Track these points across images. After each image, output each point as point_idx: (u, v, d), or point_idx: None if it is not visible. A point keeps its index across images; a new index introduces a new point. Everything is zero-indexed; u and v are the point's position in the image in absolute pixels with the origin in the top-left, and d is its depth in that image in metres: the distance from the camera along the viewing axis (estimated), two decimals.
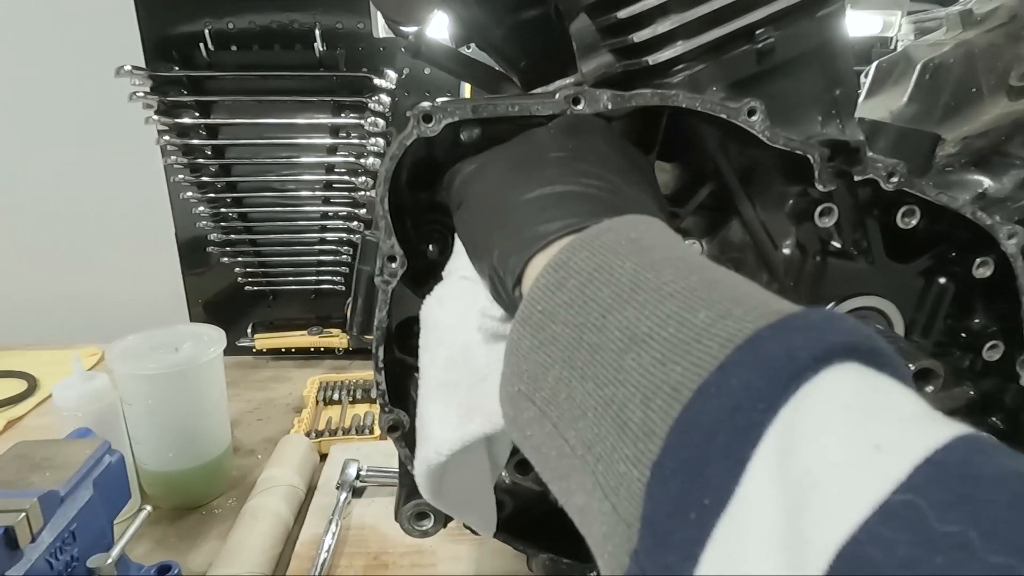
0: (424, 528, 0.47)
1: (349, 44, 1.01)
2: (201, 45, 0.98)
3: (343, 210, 1.05)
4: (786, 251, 0.44)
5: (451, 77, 0.56)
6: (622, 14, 0.40)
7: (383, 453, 0.78)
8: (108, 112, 1.04)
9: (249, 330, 1.14)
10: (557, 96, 0.37)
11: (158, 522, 0.74)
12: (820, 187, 0.40)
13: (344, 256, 1.09)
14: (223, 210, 1.05)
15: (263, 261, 1.10)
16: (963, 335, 0.48)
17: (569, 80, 0.45)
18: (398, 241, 0.39)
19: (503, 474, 0.52)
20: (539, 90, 0.45)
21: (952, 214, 0.42)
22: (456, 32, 0.52)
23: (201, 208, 1.04)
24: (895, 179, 0.41)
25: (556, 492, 0.26)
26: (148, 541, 0.71)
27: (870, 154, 0.41)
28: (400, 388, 0.45)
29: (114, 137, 1.16)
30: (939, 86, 0.54)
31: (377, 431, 0.87)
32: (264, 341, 1.12)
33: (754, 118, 0.38)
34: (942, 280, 0.46)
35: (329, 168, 1.04)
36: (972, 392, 0.50)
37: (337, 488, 0.72)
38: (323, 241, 1.08)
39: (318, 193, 1.05)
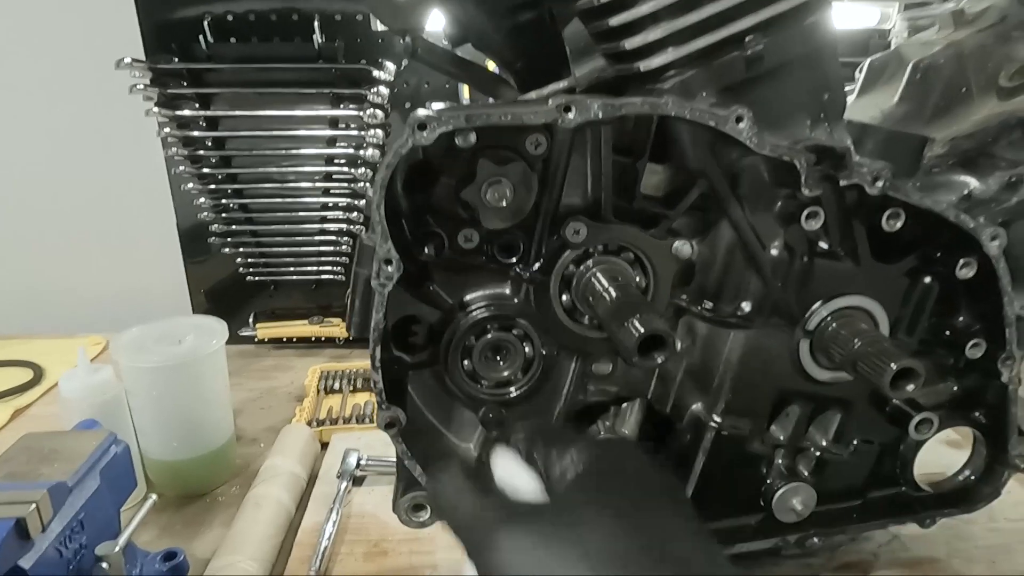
0: (421, 519, 0.49)
1: (348, 36, 1.01)
2: (200, 37, 0.99)
3: (343, 201, 1.06)
4: (774, 252, 0.45)
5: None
6: (614, 21, 0.41)
7: (383, 442, 0.79)
8: (109, 104, 1.05)
9: (251, 319, 1.15)
10: (549, 104, 0.38)
11: (163, 510, 0.76)
12: (806, 191, 0.41)
13: (344, 246, 1.10)
14: (224, 201, 1.06)
15: (264, 251, 1.11)
16: (947, 333, 0.49)
17: (563, 84, 0.45)
18: (394, 243, 0.40)
19: None
20: (533, 94, 0.46)
21: (936, 217, 0.43)
22: (452, 33, 0.53)
23: (202, 199, 1.05)
24: (880, 183, 0.42)
25: None
26: (154, 528, 0.73)
27: (856, 158, 0.42)
28: (397, 385, 0.46)
29: (116, 129, 1.17)
30: (929, 86, 0.54)
31: None
32: (266, 330, 1.13)
33: (741, 125, 0.39)
34: (927, 280, 0.47)
35: (329, 159, 1.04)
36: (956, 388, 0.52)
37: (338, 477, 0.74)
38: (323, 231, 1.09)
39: (318, 184, 1.06)
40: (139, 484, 0.74)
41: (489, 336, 0.47)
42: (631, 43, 0.41)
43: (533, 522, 0.32)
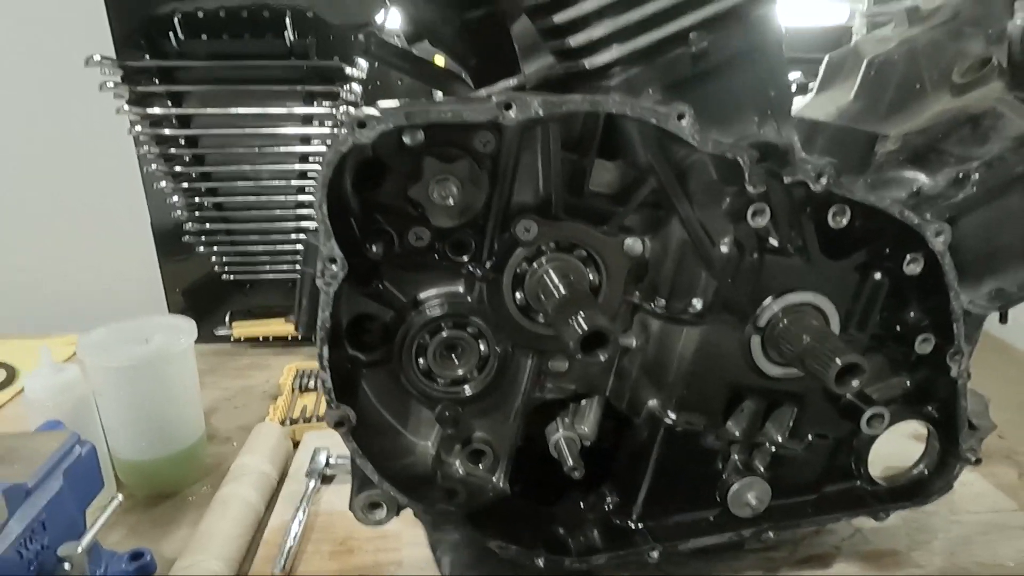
0: (377, 518, 0.49)
1: (320, 33, 1.01)
2: (171, 34, 0.98)
3: None
4: (724, 248, 0.46)
5: None
6: (559, 18, 0.41)
7: None
8: (79, 102, 1.04)
9: (227, 318, 1.15)
10: (491, 102, 0.38)
11: (133, 510, 0.76)
12: (751, 188, 0.41)
13: None
14: (198, 199, 1.06)
15: (239, 250, 1.10)
16: (897, 328, 0.50)
17: (513, 81, 0.45)
18: (344, 242, 0.40)
19: (456, 464, 0.53)
20: (484, 91, 0.46)
21: (882, 213, 0.44)
22: (408, 30, 0.53)
23: (176, 198, 1.05)
24: (824, 180, 0.42)
25: None
26: (122, 528, 0.73)
27: (801, 155, 0.43)
28: (350, 382, 0.46)
29: (86, 127, 1.16)
30: (884, 82, 0.55)
31: None
32: (242, 329, 1.13)
33: (683, 122, 0.39)
34: (877, 276, 0.48)
35: (303, 157, 1.04)
36: (907, 383, 0.52)
37: (306, 476, 0.74)
38: (299, 229, 1.08)
39: (292, 182, 1.05)
40: (107, 484, 0.73)
41: (443, 334, 0.47)
42: (576, 40, 0.41)
43: None
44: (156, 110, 0.99)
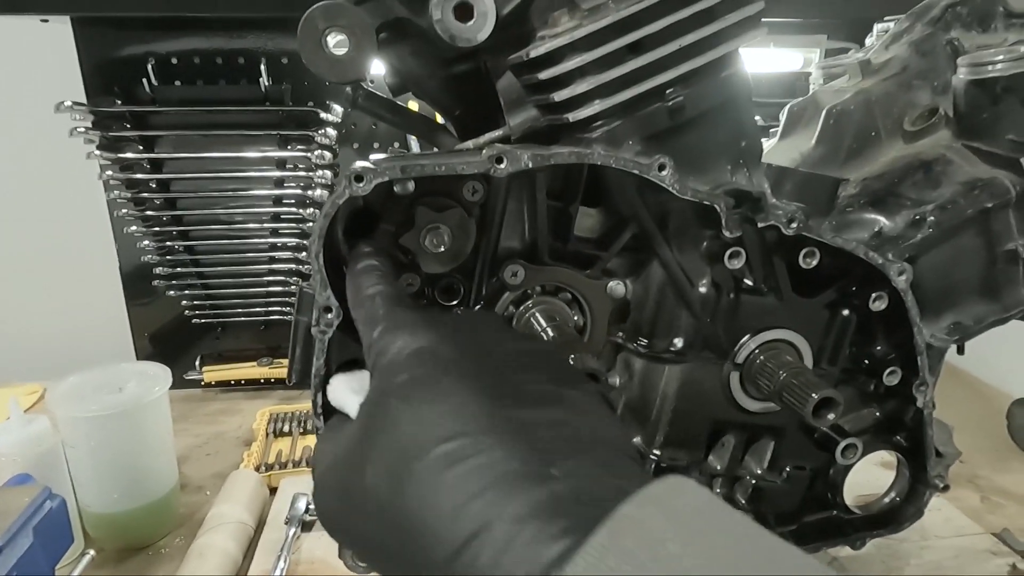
0: (366, 564, 0.49)
1: (295, 78, 1.02)
2: (144, 80, 0.98)
3: (291, 241, 1.06)
4: (702, 289, 0.48)
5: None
6: (543, 75, 0.43)
7: None
8: (48, 147, 1.03)
9: (197, 363, 1.13)
10: (482, 155, 0.40)
11: (104, 564, 0.73)
12: (727, 233, 0.44)
13: (293, 287, 1.09)
14: (169, 243, 1.05)
15: (210, 293, 1.09)
16: (866, 362, 0.52)
17: (498, 133, 0.47)
18: (334, 291, 0.41)
19: None
20: (470, 142, 0.48)
21: (848, 254, 0.46)
22: (393, 82, 0.55)
23: (146, 241, 1.04)
24: (795, 224, 0.45)
25: None
26: None
27: (772, 201, 0.45)
28: None
29: (55, 172, 1.15)
30: (842, 130, 0.58)
31: None
32: (213, 374, 1.11)
33: (664, 172, 0.41)
34: (845, 312, 0.50)
35: (277, 200, 1.04)
36: (877, 414, 0.54)
37: (286, 523, 0.73)
38: (272, 272, 1.08)
39: (266, 225, 1.06)
40: (76, 539, 0.71)
41: None
42: (560, 95, 0.43)
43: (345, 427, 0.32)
44: (128, 155, 0.99)
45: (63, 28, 0.97)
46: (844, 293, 0.50)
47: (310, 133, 1.00)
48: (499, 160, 0.39)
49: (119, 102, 0.99)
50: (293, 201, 1.04)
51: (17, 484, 0.64)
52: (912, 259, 0.50)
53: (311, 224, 1.04)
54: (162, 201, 1.03)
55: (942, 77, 0.56)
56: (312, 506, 0.75)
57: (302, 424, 0.97)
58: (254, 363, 1.12)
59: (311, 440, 0.94)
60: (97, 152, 0.98)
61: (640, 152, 0.44)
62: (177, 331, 1.13)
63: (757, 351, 0.49)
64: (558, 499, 0.24)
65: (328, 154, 1.01)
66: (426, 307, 0.46)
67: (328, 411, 0.43)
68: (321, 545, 0.72)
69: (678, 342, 0.49)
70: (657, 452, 0.51)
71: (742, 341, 0.49)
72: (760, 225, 0.44)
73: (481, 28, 0.42)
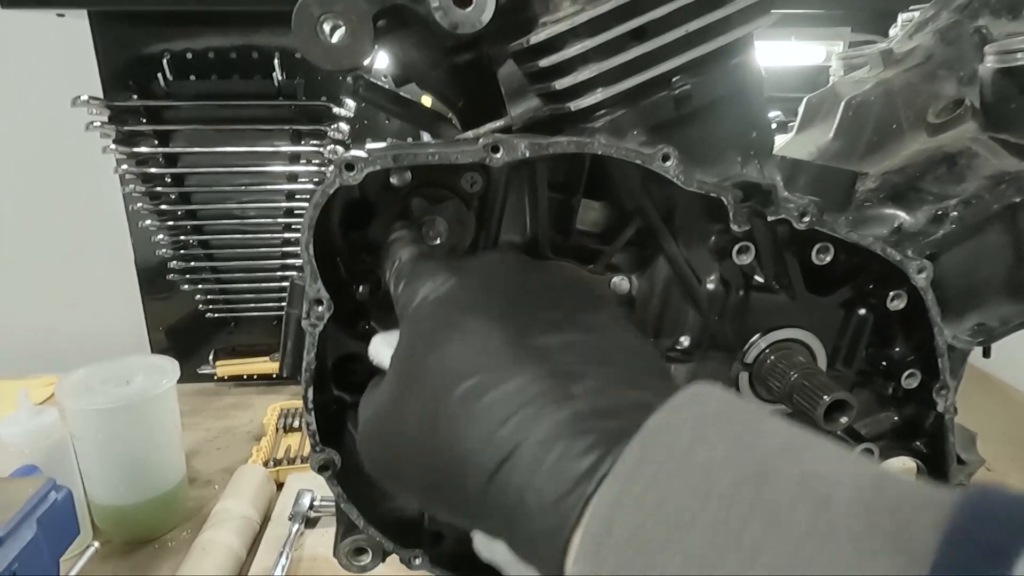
0: (362, 563, 0.48)
1: (308, 73, 1.02)
2: (159, 75, 0.99)
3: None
4: (710, 286, 0.46)
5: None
6: (544, 63, 0.42)
7: None
8: (65, 141, 1.04)
9: (211, 357, 1.13)
10: (478, 144, 0.38)
11: (110, 557, 0.73)
12: (735, 227, 0.42)
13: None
14: (183, 237, 1.05)
15: (224, 288, 1.10)
16: (884, 364, 0.50)
17: (499, 123, 0.46)
18: (329, 282, 0.40)
19: None
20: (471, 133, 0.46)
21: (864, 250, 0.44)
22: (395, 73, 0.54)
23: (161, 236, 1.04)
24: (807, 219, 0.43)
25: None
26: None
27: (784, 194, 0.43)
28: (335, 425, 0.45)
29: (71, 166, 1.16)
30: (862, 123, 0.56)
31: None
32: (225, 368, 1.12)
33: (668, 163, 0.40)
34: (862, 311, 0.48)
35: (290, 195, 1.04)
36: (896, 418, 0.52)
37: (290, 519, 0.72)
38: (284, 267, 1.08)
39: (279, 220, 1.06)
40: (84, 530, 0.71)
41: None
42: (561, 84, 0.41)
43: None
44: (143, 149, 1.00)
45: (80, 23, 0.98)
46: (861, 291, 0.47)
47: (323, 128, 1.00)
48: (495, 149, 0.38)
49: (135, 96, 1.00)
50: (306, 196, 1.03)
51: (23, 475, 0.64)
52: (933, 256, 0.48)
53: None
54: (176, 195, 1.03)
55: (968, 66, 0.54)
56: (317, 502, 0.74)
57: None
58: (267, 358, 1.12)
59: None
60: (113, 146, 0.98)
61: (645, 143, 0.42)
62: (192, 325, 1.14)
63: (767, 351, 0.47)
64: (581, 417, 0.25)
65: (341, 149, 1.00)
66: (449, 255, 0.44)
67: (324, 405, 0.43)
68: (324, 542, 0.71)
69: (685, 341, 0.47)
70: None
71: (752, 340, 0.47)
72: (770, 219, 0.42)
73: (481, 14, 0.41)
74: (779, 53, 1.05)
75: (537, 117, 0.45)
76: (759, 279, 0.46)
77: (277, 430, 0.96)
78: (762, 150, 0.45)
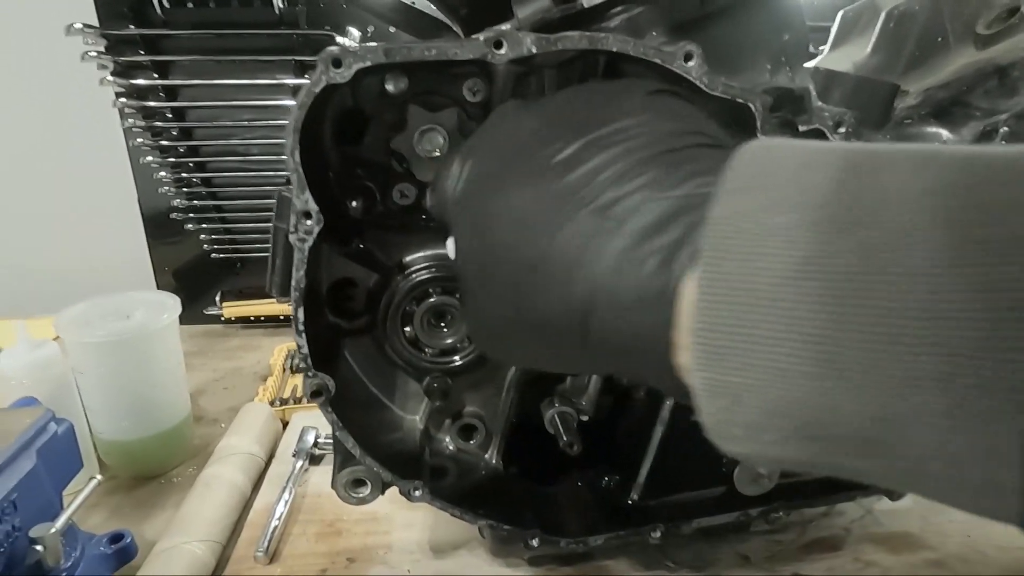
0: (361, 495, 0.46)
1: (310, 0, 0.97)
2: (155, 2, 0.94)
3: None
4: None
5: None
6: None
7: None
8: (60, 73, 1.01)
9: (217, 298, 1.12)
10: (480, 39, 0.35)
11: (115, 491, 0.73)
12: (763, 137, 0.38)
13: None
14: (185, 175, 1.02)
15: (229, 228, 1.07)
16: None
17: (505, 26, 0.42)
18: (322, 199, 0.37)
19: (446, 441, 0.51)
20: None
21: None
22: None
23: (163, 173, 1.02)
24: (842, 129, 0.39)
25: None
26: (104, 511, 0.70)
27: (818, 103, 0.39)
28: (330, 351, 0.43)
29: (68, 99, 1.13)
30: (904, 35, 0.51)
31: None
32: (232, 309, 1.10)
33: (691, 63, 0.36)
34: None
35: None
36: None
37: (294, 456, 0.71)
38: None
39: (283, 156, 1.02)
40: (88, 464, 0.71)
41: (431, 300, 0.44)
42: None
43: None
44: (141, 81, 0.96)
45: None
46: None
47: None
48: (498, 44, 0.35)
49: (131, 26, 0.96)
50: None
51: (22, 406, 0.63)
52: None
53: None
54: (177, 131, 1.00)
55: None
56: (321, 439, 0.73)
57: None
58: (273, 299, 1.10)
59: None
60: (111, 78, 0.95)
61: (665, 43, 0.38)
62: (198, 267, 1.12)
63: None
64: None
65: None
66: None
67: (318, 330, 0.40)
68: (328, 479, 0.70)
69: None
70: None
71: None
72: (802, 129, 0.39)
73: None
74: None
75: (547, 18, 0.41)
76: None
77: (284, 370, 0.94)
78: (795, 56, 0.41)
